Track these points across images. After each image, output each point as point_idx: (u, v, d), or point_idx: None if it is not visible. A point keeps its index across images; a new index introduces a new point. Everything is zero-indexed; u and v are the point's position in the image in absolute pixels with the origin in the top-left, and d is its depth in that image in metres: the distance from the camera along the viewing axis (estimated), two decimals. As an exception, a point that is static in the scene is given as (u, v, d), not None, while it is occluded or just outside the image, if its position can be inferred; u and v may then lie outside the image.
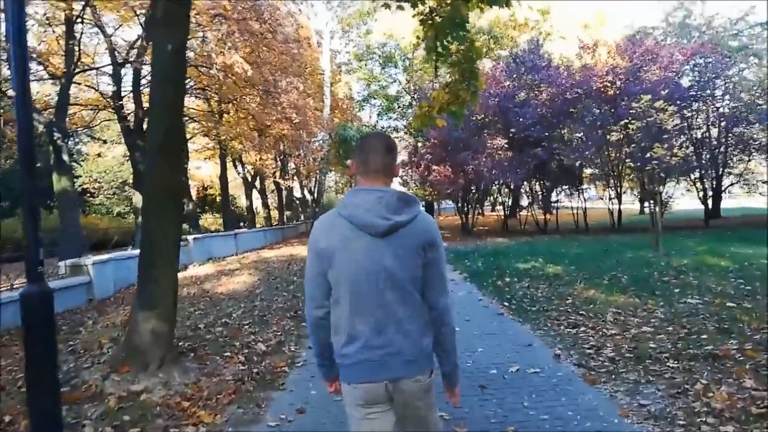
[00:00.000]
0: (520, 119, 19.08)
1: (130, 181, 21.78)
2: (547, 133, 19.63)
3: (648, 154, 13.10)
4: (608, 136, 18.86)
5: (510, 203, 28.74)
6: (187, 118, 19.60)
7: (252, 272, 12.39)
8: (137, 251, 5.75)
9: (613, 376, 4.35)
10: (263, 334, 6.41)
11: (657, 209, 12.60)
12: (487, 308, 7.46)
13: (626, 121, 13.98)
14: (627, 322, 5.95)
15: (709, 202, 23.81)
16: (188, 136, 22.12)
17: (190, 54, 17.46)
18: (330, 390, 2.10)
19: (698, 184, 22.90)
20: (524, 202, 27.16)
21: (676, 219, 21.48)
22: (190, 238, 14.50)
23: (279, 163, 32.16)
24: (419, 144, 23.69)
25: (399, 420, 1.91)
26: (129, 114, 16.58)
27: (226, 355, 5.52)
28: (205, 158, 31.15)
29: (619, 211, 20.77)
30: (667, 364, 4.48)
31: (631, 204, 24.72)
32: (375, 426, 1.85)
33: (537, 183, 22.82)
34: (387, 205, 1.77)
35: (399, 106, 32.18)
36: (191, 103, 20.72)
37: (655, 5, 61.18)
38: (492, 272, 10.46)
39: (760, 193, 20.40)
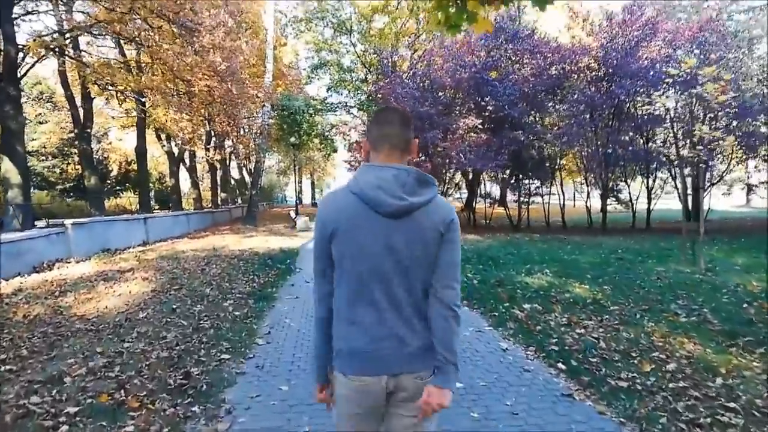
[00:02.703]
0: (498, 96, 16.14)
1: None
2: (527, 115, 16.83)
3: (685, 142, 10.27)
4: (600, 121, 16.36)
5: (467, 194, 25.98)
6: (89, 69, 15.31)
7: (149, 276, 8.73)
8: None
9: None
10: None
11: (701, 208, 9.74)
12: (528, 374, 4.28)
13: (659, 93, 11.12)
14: None
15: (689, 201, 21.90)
16: (92, 95, 17.73)
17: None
18: (319, 397, 1.85)
19: (678, 181, 20.85)
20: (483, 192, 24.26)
21: (652, 219, 19.17)
22: (68, 222, 10.54)
23: (213, 136, 28.11)
24: None
25: (392, 426, 1.74)
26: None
27: None
28: (122, 126, 26.62)
29: (604, 209, 18.20)
30: None
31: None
32: (363, 427, 1.71)
33: (508, 172, 19.94)
34: (403, 184, 1.59)
35: (352, 79, 28.48)
36: (89, 47, 16.29)
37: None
38: (495, 291, 7.34)
39: (759, 195, 18.30)
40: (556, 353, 4.64)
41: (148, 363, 4.47)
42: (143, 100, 14.94)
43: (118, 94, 14.92)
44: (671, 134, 17.07)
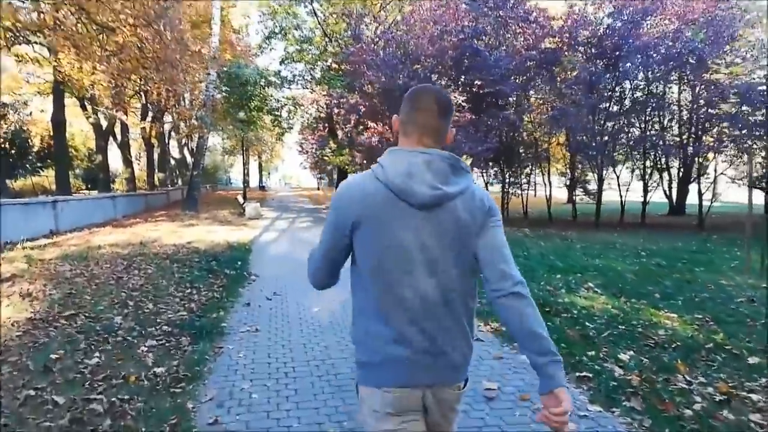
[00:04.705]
0: (488, 69, 13.90)
1: None
2: (520, 92, 14.79)
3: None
4: (601, 102, 14.54)
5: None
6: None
7: (35, 290, 5.97)
8: None
9: None
10: None
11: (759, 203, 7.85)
12: None
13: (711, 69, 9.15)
14: None
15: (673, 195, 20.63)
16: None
17: None
18: None
19: (663, 173, 19.40)
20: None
21: (630, 214, 17.50)
22: None
23: (149, 109, 24.79)
24: (347, 95, 17.37)
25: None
26: None
27: None
28: (38, 92, 22.83)
29: (599, 200, 16.34)
30: None
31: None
32: None
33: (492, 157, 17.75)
34: (436, 170, 1.39)
35: (311, 51, 25.38)
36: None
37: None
38: (553, 322, 5.06)
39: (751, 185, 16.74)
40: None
41: None
42: (39, 42, 11.52)
43: (5, 35, 11.27)
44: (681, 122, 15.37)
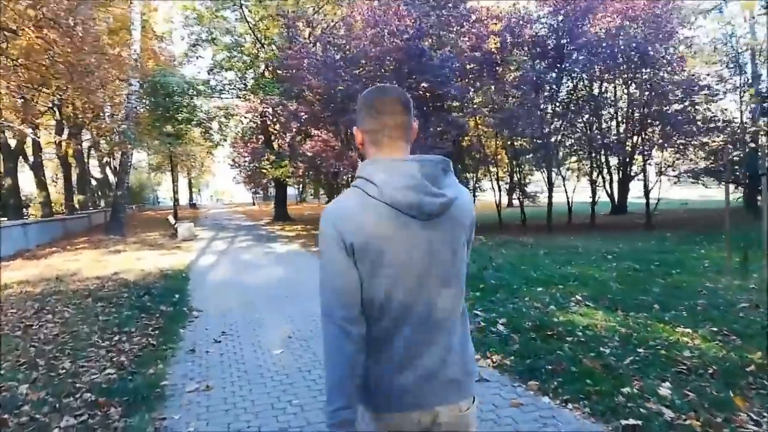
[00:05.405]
0: (435, 71, 13.35)
1: None
2: (468, 94, 14.38)
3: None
4: (550, 103, 14.33)
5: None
6: None
7: None
8: None
9: None
10: None
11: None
12: None
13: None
14: None
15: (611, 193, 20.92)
16: None
17: None
18: None
19: (603, 171, 19.53)
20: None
21: (574, 214, 17.38)
22: None
23: (65, 124, 22.60)
24: (286, 102, 16.24)
25: None
26: None
27: None
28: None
29: (549, 203, 16.08)
30: None
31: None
32: None
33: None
34: (430, 176, 1.25)
35: (243, 55, 23.95)
36: None
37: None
38: (562, 349, 4.36)
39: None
40: None
41: None
42: None
43: None
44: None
